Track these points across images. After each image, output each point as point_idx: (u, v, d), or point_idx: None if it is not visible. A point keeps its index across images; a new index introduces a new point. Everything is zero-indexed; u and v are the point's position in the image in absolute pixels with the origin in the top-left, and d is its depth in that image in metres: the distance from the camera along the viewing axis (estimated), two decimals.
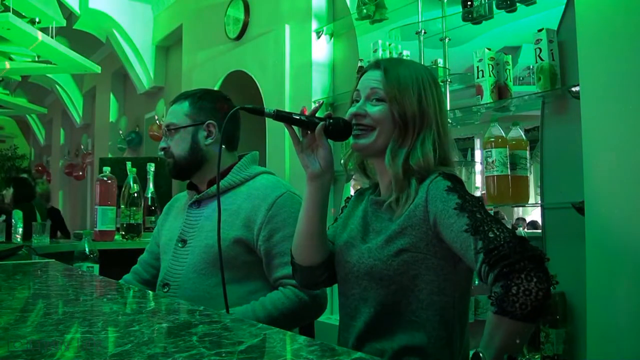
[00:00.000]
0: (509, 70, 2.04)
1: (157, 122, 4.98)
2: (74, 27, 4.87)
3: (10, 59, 4.33)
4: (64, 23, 4.24)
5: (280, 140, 2.97)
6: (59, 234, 5.36)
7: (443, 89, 2.30)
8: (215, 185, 1.55)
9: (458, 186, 1.10)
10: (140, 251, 1.77)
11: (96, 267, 1.87)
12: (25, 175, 5.91)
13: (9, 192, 4.73)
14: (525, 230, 4.75)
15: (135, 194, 2.55)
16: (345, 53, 2.91)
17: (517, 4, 2.07)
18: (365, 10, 2.65)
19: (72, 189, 8.31)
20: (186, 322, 0.85)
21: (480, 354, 0.98)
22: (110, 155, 5.83)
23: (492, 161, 1.92)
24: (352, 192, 2.81)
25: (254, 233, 1.47)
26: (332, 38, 2.97)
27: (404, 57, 2.56)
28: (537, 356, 1.78)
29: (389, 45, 2.55)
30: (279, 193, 1.49)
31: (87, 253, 1.86)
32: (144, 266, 1.71)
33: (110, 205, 2.50)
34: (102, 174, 2.55)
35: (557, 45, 1.85)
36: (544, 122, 1.92)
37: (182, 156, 1.57)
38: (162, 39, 4.92)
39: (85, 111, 7.46)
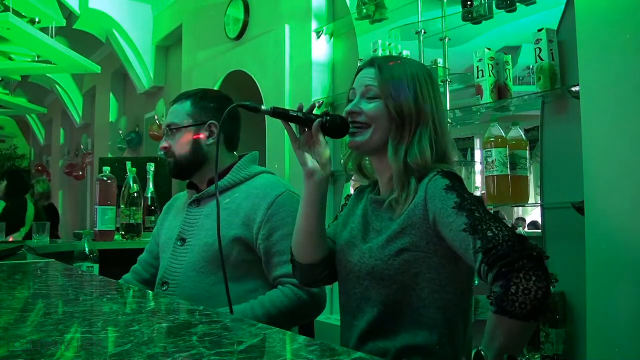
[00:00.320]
0: (509, 70, 2.04)
1: (157, 122, 4.98)
2: (74, 27, 4.87)
3: (10, 59, 4.33)
4: (64, 23, 4.24)
5: (280, 140, 2.97)
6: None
7: (443, 89, 2.30)
8: (214, 185, 1.55)
9: (457, 184, 1.10)
10: (140, 251, 1.77)
11: (96, 267, 1.87)
12: (25, 167, 5.89)
13: (1, 185, 4.71)
14: (527, 230, 4.76)
15: (135, 194, 2.55)
16: (345, 53, 2.91)
17: (517, 4, 2.07)
18: (365, 10, 2.65)
19: (72, 189, 8.31)
20: (186, 322, 0.85)
21: (482, 353, 0.98)
22: (110, 155, 5.83)
23: (492, 161, 1.92)
24: (352, 192, 2.81)
25: (254, 232, 1.47)
26: (332, 38, 2.97)
27: (404, 57, 2.57)
28: (537, 356, 1.78)
29: (389, 45, 2.55)
30: (279, 192, 1.50)
31: (87, 253, 1.86)
32: (143, 266, 1.71)
33: (110, 205, 2.50)
34: (102, 174, 2.55)
35: (557, 45, 1.85)
36: (544, 122, 1.92)
37: (184, 156, 1.57)
38: (162, 39, 4.92)
39: (85, 111, 7.46)
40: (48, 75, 6.38)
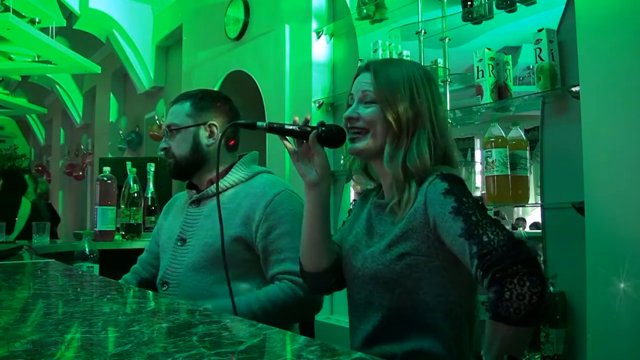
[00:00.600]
0: (509, 70, 2.04)
1: (157, 122, 4.98)
2: (74, 27, 4.87)
3: (10, 59, 4.33)
4: (64, 23, 4.24)
5: (279, 140, 2.96)
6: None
7: (443, 89, 2.30)
8: (213, 185, 1.55)
9: (455, 187, 1.09)
10: (140, 251, 1.77)
11: (96, 267, 1.87)
12: (25, 167, 5.86)
13: None
14: (528, 230, 4.76)
15: (135, 194, 2.55)
16: (345, 53, 2.91)
17: (517, 4, 2.07)
18: (365, 10, 2.65)
19: (72, 189, 8.31)
20: (186, 322, 0.85)
21: (483, 359, 0.99)
22: (110, 155, 5.82)
23: (492, 161, 1.92)
24: (352, 192, 2.81)
25: (252, 230, 1.47)
26: (332, 38, 2.97)
27: (404, 57, 2.57)
28: (537, 356, 1.78)
29: (389, 45, 2.54)
30: (277, 191, 1.49)
31: (87, 253, 1.86)
32: (143, 265, 1.72)
33: (110, 205, 2.50)
34: (102, 174, 2.55)
35: (557, 45, 1.85)
36: (544, 122, 1.92)
37: (184, 156, 1.57)
38: (162, 39, 4.91)
39: (85, 111, 7.45)
40: (48, 75, 6.38)
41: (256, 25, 3.44)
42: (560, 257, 1.76)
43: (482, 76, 2.03)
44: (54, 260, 1.79)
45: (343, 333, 2.56)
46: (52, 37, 3.92)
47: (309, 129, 1.19)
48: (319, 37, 2.93)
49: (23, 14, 3.80)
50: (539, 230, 2.00)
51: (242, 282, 1.48)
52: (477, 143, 5.89)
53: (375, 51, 2.52)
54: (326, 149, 1.22)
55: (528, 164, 1.97)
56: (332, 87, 2.94)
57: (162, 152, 1.61)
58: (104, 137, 6.27)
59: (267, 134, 3.37)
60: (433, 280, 1.12)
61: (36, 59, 4.39)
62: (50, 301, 1.08)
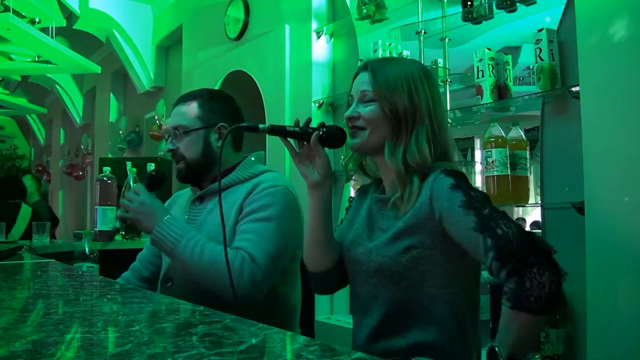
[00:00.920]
0: (509, 70, 2.04)
1: (157, 122, 4.98)
2: (74, 27, 4.87)
3: (10, 59, 4.33)
4: (64, 23, 4.24)
5: (279, 141, 2.96)
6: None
7: (443, 89, 2.30)
8: (217, 182, 1.55)
9: (461, 182, 1.11)
10: (140, 251, 1.77)
11: (96, 267, 1.87)
12: (25, 167, 5.81)
13: None
14: (528, 230, 4.76)
15: None
16: (345, 53, 2.91)
17: (517, 4, 2.07)
18: (365, 10, 2.65)
19: (72, 189, 8.31)
20: (186, 322, 0.85)
21: (496, 349, 0.99)
22: (110, 155, 5.82)
23: (492, 161, 1.92)
24: (352, 192, 2.81)
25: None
26: (332, 38, 2.97)
27: (399, 57, 2.57)
28: (537, 356, 1.78)
29: (389, 45, 2.55)
30: (274, 184, 1.48)
31: (87, 253, 1.86)
32: (143, 263, 1.71)
33: (110, 205, 2.50)
34: (102, 174, 2.55)
35: (557, 45, 1.85)
36: (544, 122, 1.92)
37: (195, 159, 1.55)
38: (162, 39, 4.91)
39: (85, 111, 7.45)
40: (48, 75, 6.38)
41: (256, 25, 3.44)
42: (560, 257, 1.76)
43: (482, 76, 2.03)
44: (54, 260, 1.79)
45: (343, 333, 2.57)
46: (52, 37, 3.92)
47: (310, 130, 1.21)
48: (319, 37, 2.93)
49: (23, 14, 3.80)
50: (539, 230, 2.00)
51: None
52: (477, 143, 5.88)
53: (375, 51, 2.52)
54: (327, 149, 1.23)
55: (528, 164, 1.97)
56: (332, 87, 2.94)
57: (167, 153, 1.59)
58: (104, 137, 6.27)
59: (267, 135, 3.36)
60: (437, 273, 1.13)
61: (36, 59, 4.39)
62: (50, 301, 1.08)
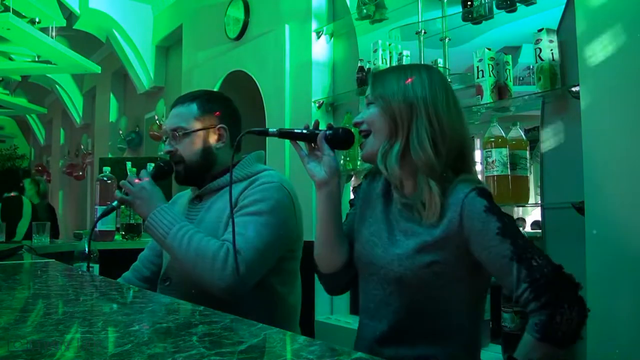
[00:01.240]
0: (509, 70, 2.04)
1: (157, 122, 4.98)
2: (74, 27, 4.87)
3: (10, 59, 4.33)
4: (64, 23, 4.25)
5: (280, 140, 2.96)
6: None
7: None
8: (216, 181, 1.55)
9: (494, 205, 1.11)
10: (140, 251, 1.77)
11: (96, 267, 1.87)
12: (25, 166, 5.81)
13: None
14: (529, 230, 4.75)
15: None
16: (345, 53, 2.91)
17: (517, 4, 2.07)
18: (365, 10, 2.65)
19: (72, 189, 8.31)
20: (186, 322, 0.85)
21: None
22: (110, 155, 5.82)
23: (492, 161, 1.92)
24: (352, 193, 2.81)
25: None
26: (332, 38, 2.97)
27: (404, 57, 2.57)
28: None
29: (389, 45, 2.55)
30: (269, 180, 1.47)
31: (87, 253, 1.86)
32: (144, 263, 1.71)
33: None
34: (102, 174, 2.55)
35: (557, 45, 1.85)
36: (544, 122, 1.92)
37: (194, 160, 1.54)
38: (162, 39, 4.92)
39: (85, 111, 7.46)
40: (48, 75, 6.38)
41: (256, 25, 3.44)
42: (560, 257, 1.76)
43: (482, 76, 2.03)
44: (54, 260, 1.79)
45: (343, 333, 2.57)
46: (52, 37, 3.92)
47: (318, 132, 1.24)
48: (319, 37, 2.93)
49: (23, 14, 3.80)
50: (539, 230, 2.00)
51: None
52: (477, 143, 5.88)
53: (375, 51, 2.52)
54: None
55: (528, 164, 1.97)
56: (332, 87, 2.94)
57: (166, 155, 1.59)
58: (104, 137, 6.27)
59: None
60: (454, 289, 1.14)
61: (36, 59, 4.39)
62: (50, 301, 1.08)
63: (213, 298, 1.33)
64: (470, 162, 1.20)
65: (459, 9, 2.25)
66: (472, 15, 2.20)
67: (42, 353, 0.64)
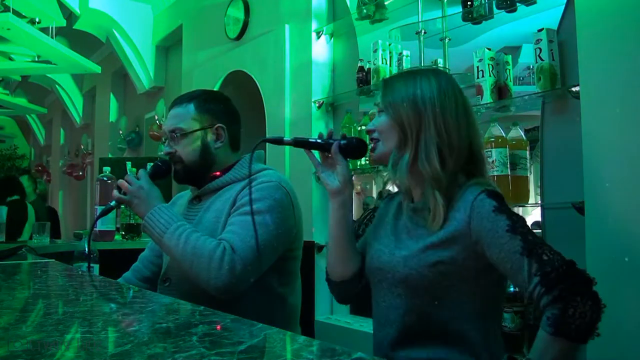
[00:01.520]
0: (509, 70, 2.04)
1: (157, 122, 4.98)
2: (74, 27, 4.87)
3: (10, 59, 4.34)
4: (64, 23, 4.25)
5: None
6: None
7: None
8: (215, 181, 1.55)
9: (504, 206, 1.11)
10: (140, 251, 1.77)
11: (96, 267, 1.87)
12: (25, 167, 5.82)
13: None
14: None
15: None
16: (345, 53, 2.91)
17: (517, 4, 2.07)
18: (365, 10, 2.65)
19: (72, 189, 8.31)
20: (186, 322, 0.85)
21: None
22: (110, 155, 5.82)
23: (492, 161, 1.92)
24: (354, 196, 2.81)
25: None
26: (332, 38, 2.97)
27: (404, 57, 2.57)
28: None
29: (389, 45, 2.55)
30: (267, 179, 1.47)
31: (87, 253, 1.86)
32: (144, 263, 1.71)
33: None
34: (102, 174, 2.55)
35: (557, 45, 1.85)
36: (544, 122, 1.92)
37: (193, 161, 1.54)
38: (162, 39, 4.92)
39: (85, 111, 7.46)
40: (48, 75, 6.38)
41: (256, 25, 3.44)
42: None
43: (482, 76, 2.03)
44: (54, 260, 1.79)
45: (343, 333, 2.57)
46: (52, 37, 3.93)
47: (332, 141, 1.27)
48: (319, 37, 2.93)
49: (23, 14, 3.80)
50: (539, 230, 2.00)
51: None
52: None
53: (375, 51, 2.52)
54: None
55: (528, 164, 1.97)
56: (332, 87, 2.94)
57: (166, 156, 1.58)
58: (104, 137, 6.27)
59: (267, 135, 3.36)
60: (462, 290, 1.13)
61: (36, 59, 4.40)
62: (50, 301, 1.08)
63: (213, 299, 1.33)
64: (482, 165, 1.21)
65: (459, 9, 2.25)
66: (472, 15, 2.20)
67: (42, 353, 0.64)
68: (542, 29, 1.85)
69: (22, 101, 6.38)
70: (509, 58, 2.06)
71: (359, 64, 2.65)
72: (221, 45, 3.76)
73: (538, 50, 1.85)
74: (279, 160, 2.96)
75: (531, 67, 2.53)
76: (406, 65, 2.53)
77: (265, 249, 1.40)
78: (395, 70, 2.52)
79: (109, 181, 2.51)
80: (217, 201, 1.53)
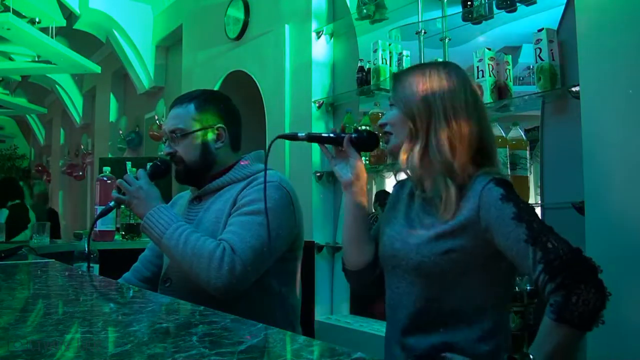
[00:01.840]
0: (509, 70, 2.05)
1: (157, 122, 4.98)
2: (74, 27, 4.87)
3: (10, 59, 4.34)
4: (64, 23, 4.25)
5: (280, 140, 2.96)
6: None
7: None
8: (215, 181, 1.55)
9: (512, 193, 1.12)
10: (140, 251, 1.77)
11: (96, 267, 1.87)
12: (25, 167, 5.81)
13: None
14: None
15: None
16: (345, 53, 2.91)
17: (517, 4, 2.07)
18: (365, 10, 2.65)
19: (72, 189, 8.31)
20: (186, 322, 0.85)
21: (531, 356, 1.02)
22: (110, 155, 5.82)
23: None
24: None
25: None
26: (332, 38, 2.97)
27: (404, 57, 2.57)
28: None
29: (389, 45, 2.55)
30: (268, 179, 1.46)
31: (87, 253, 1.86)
32: (144, 264, 1.71)
33: None
34: (102, 174, 2.55)
35: (557, 45, 1.85)
36: (544, 122, 1.92)
37: (194, 161, 1.54)
38: (162, 39, 4.92)
39: (85, 111, 7.45)
40: (48, 75, 6.38)
41: (256, 25, 3.44)
42: None
43: (482, 76, 2.03)
44: (54, 260, 1.79)
45: (343, 333, 2.57)
46: (52, 37, 3.93)
47: (344, 135, 1.30)
48: (319, 37, 2.93)
49: (23, 14, 3.80)
50: None
51: None
52: None
53: (375, 51, 2.52)
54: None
55: (528, 164, 1.97)
56: (332, 87, 2.94)
57: (166, 156, 1.58)
58: (104, 137, 6.27)
59: (267, 135, 3.36)
60: (472, 277, 1.15)
61: (36, 59, 4.40)
62: (50, 301, 1.08)
63: (214, 299, 1.33)
64: (492, 155, 1.22)
65: (459, 9, 2.25)
66: (472, 15, 2.20)
67: (42, 353, 0.64)
68: (542, 29, 1.85)
69: (22, 101, 6.39)
70: (509, 58, 2.06)
71: (359, 64, 2.65)
72: (221, 45, 3.76)
73: (538, 50, 1.85)
74: (279, 160, 2.96)
75: (531, 67, 2.53)
76: (406, 65, 2.53)
77: (265, 249, 1.40)
78: (395, 71, 2.52)
79: (109, 181, 2.50)
80: (217, 201, 1.53)
